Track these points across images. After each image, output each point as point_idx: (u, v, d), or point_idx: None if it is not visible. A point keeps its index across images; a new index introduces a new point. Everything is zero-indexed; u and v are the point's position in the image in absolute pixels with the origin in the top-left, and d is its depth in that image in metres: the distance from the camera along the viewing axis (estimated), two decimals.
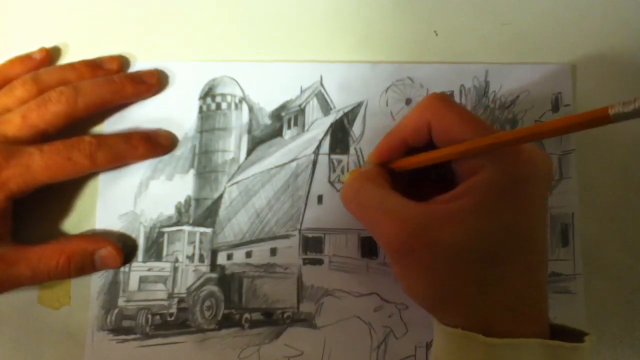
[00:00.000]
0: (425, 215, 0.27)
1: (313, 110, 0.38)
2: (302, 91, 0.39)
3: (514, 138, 0.25)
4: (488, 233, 0.26)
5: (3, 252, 0.33)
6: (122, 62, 0.38)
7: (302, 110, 0.38)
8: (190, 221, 0.37)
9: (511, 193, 0.27)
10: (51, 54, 0.39)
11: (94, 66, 0.37)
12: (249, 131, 0.38)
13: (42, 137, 0.34)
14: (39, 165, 0.33)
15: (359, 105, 0.38)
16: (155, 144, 0.37)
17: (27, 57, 0.38)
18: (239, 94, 0.39)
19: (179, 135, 0.38)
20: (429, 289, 0.27)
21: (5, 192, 0.32)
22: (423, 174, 0.33)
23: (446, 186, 0.29)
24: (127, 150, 0.36)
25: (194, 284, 0.36)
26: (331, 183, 0.37)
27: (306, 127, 0.38)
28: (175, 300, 0.36)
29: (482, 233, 0.26)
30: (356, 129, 0.38)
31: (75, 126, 0.35)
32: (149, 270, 0.36)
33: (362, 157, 0.38)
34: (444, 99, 0.29)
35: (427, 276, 0.27)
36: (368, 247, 0.36)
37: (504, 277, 0.26)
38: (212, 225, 0.37)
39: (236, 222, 0.37)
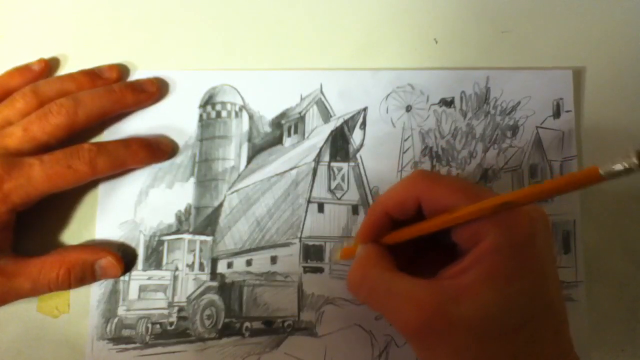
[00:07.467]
0: (439, 293, 0.26)
1: (313, 118, 0.38)
2: (302, 99, 0.38)
3: (503, 202, 0.25)
4: (507, 301, 0.25)
5: (3, 265, 0.33)
6: (121, 71, 0.38)
7: (302, 118, 0.38)
8: (191, 229, 0.37)
9: (520, 256, 0.26)
10: (50, 65, 0.39)
11: (93, 76, 0.37)
12: (249, 139, 0.38)
13: (44, 149, 0.34)
14: (40, 176, 0.32)
15: (359, 112, 0.38)
16: (156, 149, 0.37)
17: (25, 68, 0.38)
18: (239, 102, 0.38)
19: (179, 143, 0.38)
20: None
21: (7, 204, 0.32)
22: (424, 247, 0.32)
23: (451, 255, 0.28)
24: (127, 156, 0.36)
25: (194, 292, 0.36)
26: (332, 191, 0.37)
27: (306, 135, 0.38)
28: (175, 309, 0.36)
29: (501, 302, 0.25)
30: (356, 136, 0.38)
31: (76, 137, 0.35)
32: (149, 279, 0.36)
33: (363, 165, 0.38)
34: (430, 173, 0.29)
35: (457, 357, 0.26)
36: None
37: (534, 346, 0.25)
38: (212, 233, 0.37)
39: (236, 231, 0.37)
